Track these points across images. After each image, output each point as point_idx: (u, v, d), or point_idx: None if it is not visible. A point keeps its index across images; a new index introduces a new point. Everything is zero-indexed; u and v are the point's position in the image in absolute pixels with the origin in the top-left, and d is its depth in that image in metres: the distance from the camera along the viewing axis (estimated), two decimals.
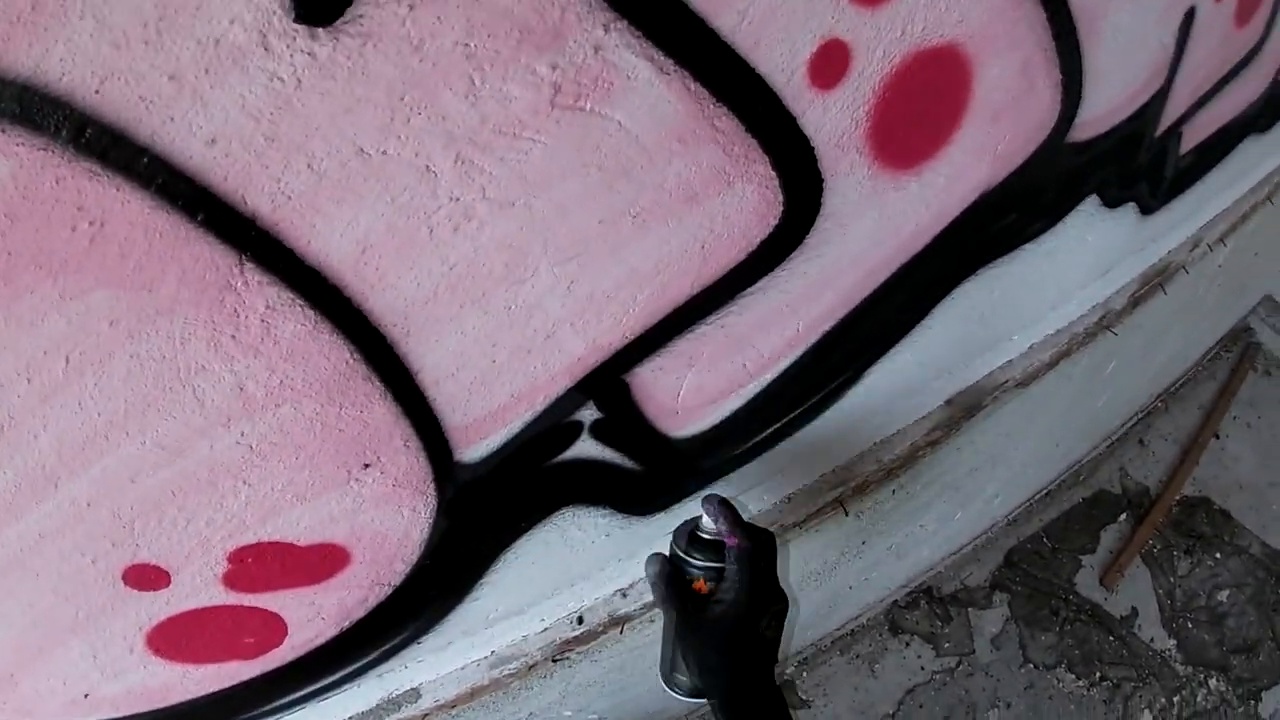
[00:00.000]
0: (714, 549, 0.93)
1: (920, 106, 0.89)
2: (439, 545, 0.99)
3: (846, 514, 1.50)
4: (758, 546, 0.92)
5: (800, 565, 1.67)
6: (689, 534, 0.96)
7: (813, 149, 0.83)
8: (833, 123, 0.82)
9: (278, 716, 1.17)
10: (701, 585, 0.92)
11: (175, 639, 0.93)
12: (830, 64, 0.77)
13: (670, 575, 0.93)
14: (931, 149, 0.95)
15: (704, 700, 0.92)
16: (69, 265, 0.57)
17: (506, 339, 0.79)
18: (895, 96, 0.84)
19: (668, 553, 0.97)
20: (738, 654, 0.89)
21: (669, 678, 0.94)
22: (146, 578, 0.84)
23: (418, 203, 0.64)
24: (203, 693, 1.04)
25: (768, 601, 0.92)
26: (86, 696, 0.95)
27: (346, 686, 1.20)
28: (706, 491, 1.23)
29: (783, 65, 0.74)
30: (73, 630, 0.85)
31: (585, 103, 0.66)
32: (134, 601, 0.86)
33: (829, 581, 1.87)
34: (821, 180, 0.86)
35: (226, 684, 1.04)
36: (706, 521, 0.95)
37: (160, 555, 0.82)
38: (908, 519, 1.85)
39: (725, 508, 0.93)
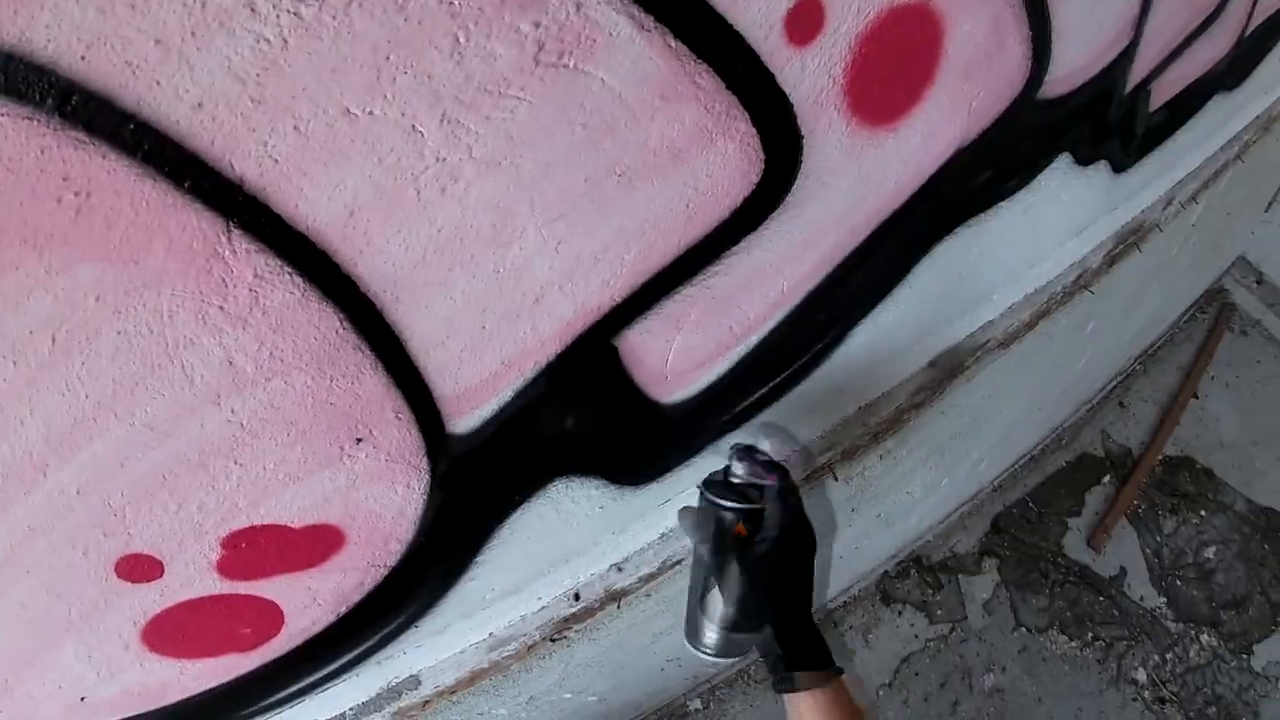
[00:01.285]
0: (742, 494, 0.96)
1: (895, 63, 0.90)
2: (434, 522, 0.98)
3: (836, 479, 1.51)
4: (790, 484, 0.95)
5: None
6: (720, 482, 0.98)
7: (791, 106, 0.83)
8: (810, 79, 0.82)
9: (278, 710, 1.16)
10: (741, 529, 0.94)
11: (170, 633, 0.91)
12: (806, 19, 0.77)
13: (708, 522, 0.95)
14: (907, 105, 0.96)
15: (729, 660, 0.94)
16: (55, 239, 0.55)
17: (496, 303, 0.79)
18: (870, 53, 0.85)
19: (696, 504, 0.99)
20: (786, 590, 0.92)
21: (696, 638, 0.96)
22: (139, 569, 0.82)
23: (404, 164, 0.64)
24: (202, 689, 1.02)
25: (806, 537, 0.97)
26: (83, 700, 0.93)
27: (346, 675, 1.19)
28: (698, 459, 1.24)
29: (759, 21, 0.74)
30: (66, 629, 0.83)
31: (568, 60, 0.65)
32: (127, 595, 0.84)
33: (821, 552, 1.88)
34: (801, 137, 0.87)
35: (226, 678, 1.03)
36: (738, 466, 0.97)
37: (152, 544, 0.80)
38: (895, 485, 1.87)
39: (755, 449, 0.97)
